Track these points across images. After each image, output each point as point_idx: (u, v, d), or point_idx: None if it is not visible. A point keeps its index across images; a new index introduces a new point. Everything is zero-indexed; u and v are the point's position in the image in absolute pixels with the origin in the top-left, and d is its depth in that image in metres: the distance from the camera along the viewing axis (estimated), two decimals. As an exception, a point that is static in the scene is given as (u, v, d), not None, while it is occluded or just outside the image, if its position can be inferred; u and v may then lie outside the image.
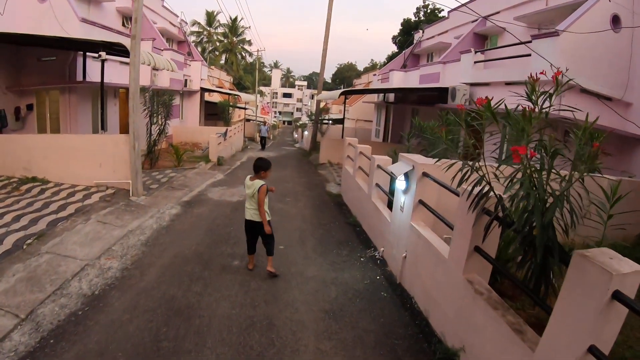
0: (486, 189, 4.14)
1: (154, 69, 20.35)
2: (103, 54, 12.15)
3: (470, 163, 4.19)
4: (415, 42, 30.16)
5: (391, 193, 8.73)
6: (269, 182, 6.79)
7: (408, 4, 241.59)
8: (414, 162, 6.40)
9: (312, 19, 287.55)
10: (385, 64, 54.12)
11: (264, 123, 33.23)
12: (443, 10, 48.79)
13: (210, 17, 66.84)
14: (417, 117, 11.35)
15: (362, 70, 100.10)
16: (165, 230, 8.90)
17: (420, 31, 29.90)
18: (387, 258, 7.75)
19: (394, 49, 53.64)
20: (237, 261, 7.39)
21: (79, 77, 15.04)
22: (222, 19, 68.85)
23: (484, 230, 4.21)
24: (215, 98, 36.95)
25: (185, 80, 26.67)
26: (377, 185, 9.01)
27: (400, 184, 6.83)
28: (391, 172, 7.17)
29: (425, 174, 6.21)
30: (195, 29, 66.18)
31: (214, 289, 6.21)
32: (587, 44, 11.25)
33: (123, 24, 23.15)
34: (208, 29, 67.17)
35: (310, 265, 7.44)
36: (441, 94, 17.59)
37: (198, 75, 29.16)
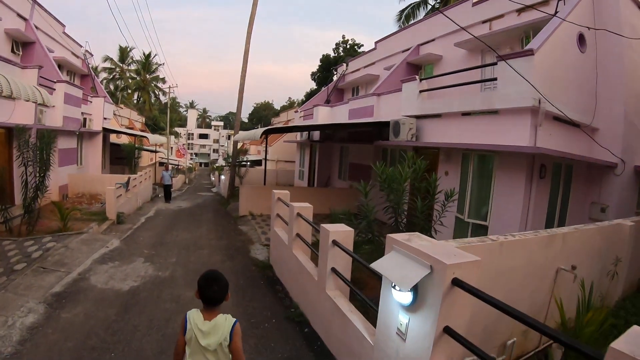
0: None
1: (41, 105, 16.94)
2: None
3: None
4: (338, 75, 28.46)
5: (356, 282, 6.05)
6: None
7: (324, 43, 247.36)
8: (434, 259, 3.64)
9: (228, 60, 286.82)
10: (304, 101, 53.21)
11: (166, 167, 27.39)
12: (363, 45, 48.76)
13: (124, 53, 62.71)
14: (375, 159, 8.83)
15: (279, 108, 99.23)
16: (1, 367, 5.42)
17: (344, 64, 28.53)
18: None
19: (313, 86, 52.84)
20: None
21: None
22: (137, 55, 65.23)
23: None
24: (125, 140, 33.31)
25: (85, 119, 22.95)
26: (334, 271, 6.21)
27: (401, 296, 3.97)
28: (387, 278, 4.25)
29: (457, 282, 3.48)
30: (108, 65, 61.87)
31: None
32: (558, 65, 10.14)
33: (13, 50, 19.49)
34: (121, 65, 62.96)
35: None
36: (380, 130, 15.70)
37: (100, 114, 25.31)
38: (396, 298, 4.04)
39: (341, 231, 6.20)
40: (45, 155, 12.74)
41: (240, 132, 22.35)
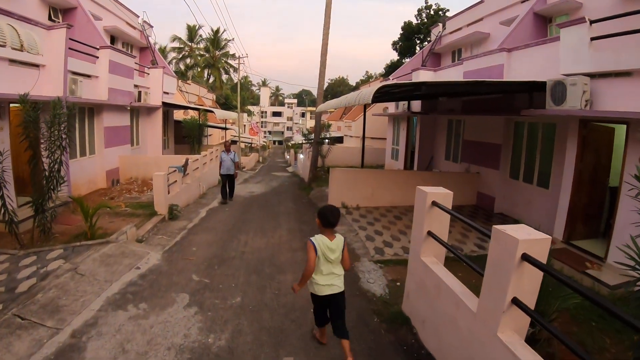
0: None
1: (77, 74, 13.43)
2: None
3: None
4: (434, 38, 23.63)
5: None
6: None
7: (400, 14, 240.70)
8: None
9: (298, 39, 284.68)
10: (383, 74, 49.05)
11: (227, 148, 16.06)
12: (449, 10, 44.53)
13: (192, 32, 60.41)
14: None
15: (354, 84, 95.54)
16: None
17: (439, 25, 23.74)
18: None
19: (393, 57, 49.07)
20: None
21: None
22: (205, 33, 62.69)
23: None
24: (188, 117, 29.93)
25: (139, 92, 19.35)
26: None
27: None
28: None
29: None
30: (176, 44, 60.20)
31: None
32: None
33: (50, 17, 16.33)
34: (189, 44, 60.49)
35: None
36: (529, 95, 11.14)
37: (159, 87, 21.69)
38: None
39: None
40: (57, 136, 8.92)
41: (330, 100, 17.75)
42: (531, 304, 3.64)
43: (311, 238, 4.77)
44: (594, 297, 2.91)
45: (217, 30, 61.14)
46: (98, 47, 15.60)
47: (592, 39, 9.11)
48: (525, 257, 3.36)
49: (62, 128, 9.06)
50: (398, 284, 7.48)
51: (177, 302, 6.45)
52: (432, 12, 45.04)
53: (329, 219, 4.70)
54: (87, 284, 6.83)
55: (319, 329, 5.36)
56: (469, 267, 4.75)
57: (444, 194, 5.23)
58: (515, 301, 3.54)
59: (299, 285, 4.88)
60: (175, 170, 13.60)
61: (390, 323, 5.99)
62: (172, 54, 59.48)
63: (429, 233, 5.39)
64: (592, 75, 9.07)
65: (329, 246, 4.72)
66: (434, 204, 5.20)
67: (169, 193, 12.61)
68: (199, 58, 61.47)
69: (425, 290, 5.44)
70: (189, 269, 8.02)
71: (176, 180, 13.60)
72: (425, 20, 44.19)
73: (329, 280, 4.80)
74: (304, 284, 4.86)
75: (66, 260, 7.65)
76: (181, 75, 53.23)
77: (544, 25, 15.16)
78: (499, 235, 3.64)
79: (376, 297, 6.93)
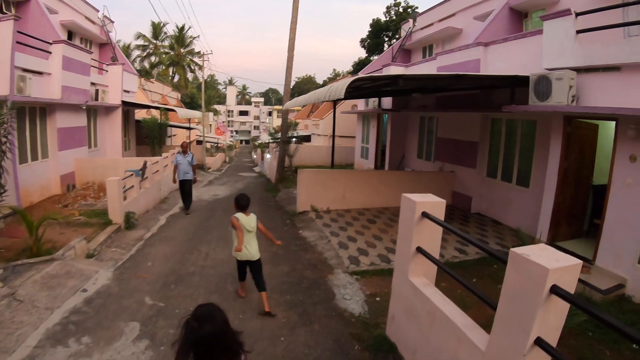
0: None
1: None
2: None
3: None
4: (405, 34, 23.13)
5: None
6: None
7: (367, 13, 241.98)
8: None
9: (266, 38, 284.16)
10: (352, 71, 48.68)
11: (184, 150, 14.05)
12: (418, 7, 44.29)
13: (157, 29, 58.38)
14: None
15: (322, 82, 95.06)
16: None
17: (410, 21, 23.12)
18: None
19: (360, 55, 48.79)
20: None
21: None
22: (170, 31, 60.96)
23: None
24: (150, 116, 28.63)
25: (97, 90, 18.21)
26: None
27: None
28: None
29: None
30: (141, 42, 57.94)
31: None
32: None
33: (2, 9, 15.07)
34: (154, 41, 58.71)
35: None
36: (510, 91, 10.76)
37: (119, 85, 20.52)
38: None
39: None
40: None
41: (299, 97, 16.95)
42: (554, 341, 2.96)
43: (234, 215, 6.37)
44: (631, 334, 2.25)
45: (182, 28, 59.64)
46: (51, 41, 14.49)
47: (578, 32, 8.70)
48: (555, 290, 2.67)
49: (1, 131, 8.11)
50: (377, 299, 6.78)
51: (126, 334, 5.56)
52: (400, 10, 44.89)
53: (240, 203, 6.46)
54: (24, 312, 5.88)
55: (240, 285, 7.07)
56: (456, 279, 4.06)
57: (434, 203, 4.50)
58: (539, 342, 2.85)
59: (239, 246, 6.25)
60: (132, 174, 12.64)
61: (373, 351, 5.22)
62: (137, 52, 57.71)
63: (419, 249, 4.65)
64: (577, 70, 8.69)
65: (245, 220, 6.40)
66: (425, 215, 4.45)
67: (125, 199, 11.66)
68: (164, 56, 59.83)
69: (416, 316, 4.70)
70: (142, 289, 7.13)
71: (133, 185, 12.63)
72: (394, 17, 44.04)
73: (248, 248, 6.42)
74: (240, 244, 6.23)
75: (4, 282, 6.67)
76: (145, 73, 51.74)
77: (519, 20, 14.85)
78: (520, 262, 2.92)
79: (355, 318, 6.20)
